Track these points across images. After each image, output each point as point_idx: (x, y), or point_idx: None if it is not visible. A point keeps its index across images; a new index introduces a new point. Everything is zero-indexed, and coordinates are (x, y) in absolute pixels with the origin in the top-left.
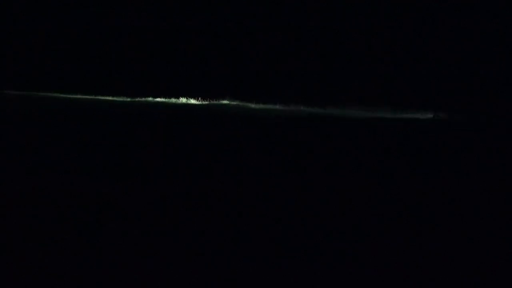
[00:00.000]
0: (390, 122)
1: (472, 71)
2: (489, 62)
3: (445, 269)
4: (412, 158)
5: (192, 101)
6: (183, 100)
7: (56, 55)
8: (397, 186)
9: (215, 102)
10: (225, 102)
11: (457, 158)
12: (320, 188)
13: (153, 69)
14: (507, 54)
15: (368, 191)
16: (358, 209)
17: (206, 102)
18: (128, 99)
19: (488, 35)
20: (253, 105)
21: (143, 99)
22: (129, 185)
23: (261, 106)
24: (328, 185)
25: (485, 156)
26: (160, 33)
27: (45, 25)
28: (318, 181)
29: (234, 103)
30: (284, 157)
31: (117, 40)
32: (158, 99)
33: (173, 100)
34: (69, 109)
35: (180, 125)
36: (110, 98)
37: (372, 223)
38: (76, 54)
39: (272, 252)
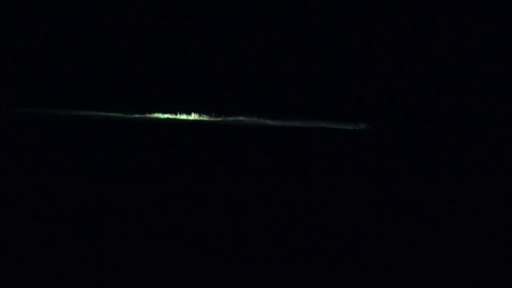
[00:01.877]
0: (388, 129)
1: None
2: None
3: (445, 269)
4: (411, 160)
5: (205, 117)
6: (195, 116)
7: (51, 66)
8: (397, 186)
9: (230, 118)
10: (241, 118)
11: (454, 160)
12: (320, 188)
13: (160, 82)
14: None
15: (368, 192)
16: (358, 209)
17: (220, 119)
18: (136, 115)
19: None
20: (271, 122)
21: (150, 115)
22: (129, 185)
23: (280, 123)
24: (328, 185)
25: (483, 157)
26: (168, 44)
27: (32, 36)
28: (318, 181)
29: (251, 119)
30: (284, 159)
31: (120, 51)
32: (167, 115)
33: (183, 116)
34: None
35: (190, 143)
36: (113, 114)
37: (372, 223)
38: (73, 66)
39: (272, 252)
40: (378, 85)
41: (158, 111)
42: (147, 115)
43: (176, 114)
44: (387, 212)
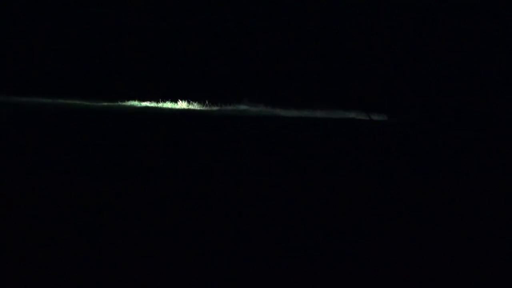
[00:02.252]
0: (391, 124)
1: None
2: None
3: (445, 269)
4: (412, 159)
5: (195, 106)
6: (183, 105)
7: (47, 58)
8: (397, 186)
9: (229, 107)
10: (243, 107)
11: (454, 160)
12: (320, 188)
13: (135, 62)
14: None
15: (368, 191)
16: (358, 209)
17: (216, 108)
18: (104, 103)
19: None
20: (282, 112)
21: (124, 103)
22: (129, 185)
23: (292, 113)
24: (328, 185)
25: (484, 156)
26: (160, 30)
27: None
28: (318, 181)
29: (255, 109)
30: (285, 157)
31: (114, 41)
32: (146, 103)
33: (168, 104)
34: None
35: (183, 138)
36: (81, 102)
37: (372, 223)
38: (63, 57)
39: (272, 252)
40: (385, 80)
41: (135, 98)
42: (119, 103)
43: (158, 101)
44: (387, 212)
